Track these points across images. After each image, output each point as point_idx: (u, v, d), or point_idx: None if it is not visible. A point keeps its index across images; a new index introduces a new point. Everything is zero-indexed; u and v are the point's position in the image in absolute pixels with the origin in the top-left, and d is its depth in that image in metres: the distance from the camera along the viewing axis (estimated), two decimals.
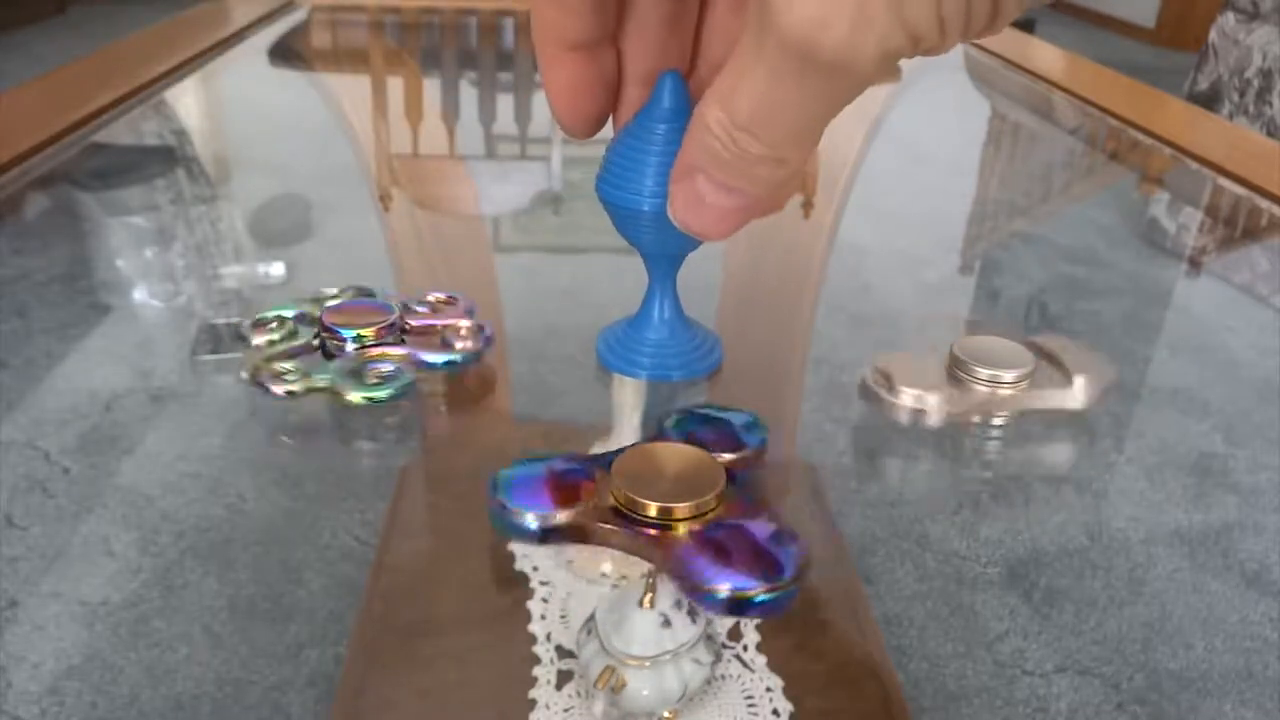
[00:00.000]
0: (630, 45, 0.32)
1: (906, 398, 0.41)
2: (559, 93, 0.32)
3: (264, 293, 0.56)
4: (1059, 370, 0.43)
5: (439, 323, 0.44)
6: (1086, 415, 0.43)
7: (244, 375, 0.41)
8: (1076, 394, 0.42)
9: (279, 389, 0.40)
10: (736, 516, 0.30)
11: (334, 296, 0.46)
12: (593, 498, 0.31)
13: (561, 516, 0.31)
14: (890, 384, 0.42)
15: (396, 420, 0.42)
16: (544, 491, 0.32)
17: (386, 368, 0.41)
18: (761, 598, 0.28)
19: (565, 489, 0.32)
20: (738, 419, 0.36)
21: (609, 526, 0.31)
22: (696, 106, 0.25)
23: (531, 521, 0.31)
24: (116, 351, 0.49)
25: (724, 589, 0.28)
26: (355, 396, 0.40)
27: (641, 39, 0.32)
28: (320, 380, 0.40)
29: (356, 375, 0.41)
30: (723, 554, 0.29)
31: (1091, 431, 0.44)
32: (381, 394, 0.40)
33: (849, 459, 0.42)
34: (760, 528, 0.30)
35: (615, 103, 0.34)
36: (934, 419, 0.42)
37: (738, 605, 0.28)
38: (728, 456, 0.34)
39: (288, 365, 0.41)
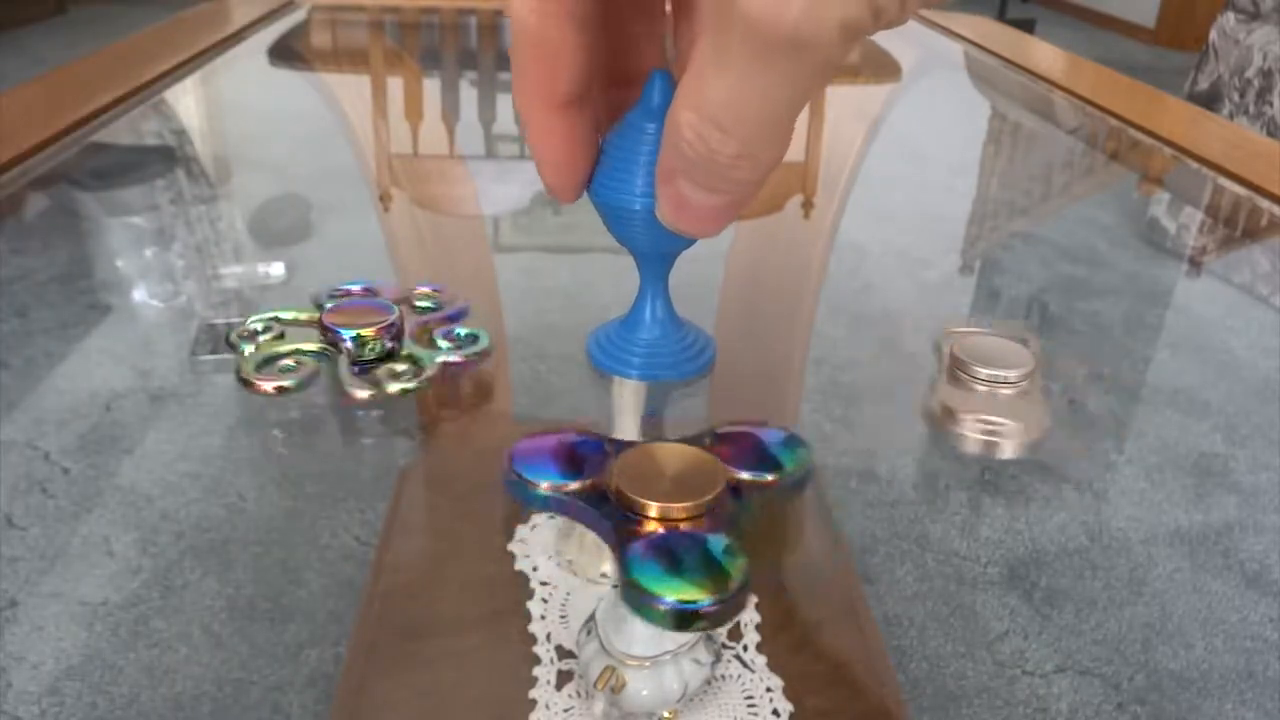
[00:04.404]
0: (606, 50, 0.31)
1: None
2: (555, 161, 0.30)
3: (264, 293, 0.56)
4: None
5: (437, 318, 0.44)
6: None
7: (263, 386, 0.40)
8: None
9: (277, 390, 0.40)
10: (693, 524, 0.29)
11: (331, 298, 0.45)
12: (599, 474, 0.31)
13: (572, 486, 0.30)
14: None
15: (398, 420, 0.42)
16: (555, 462, 0.31)
17: (399, 366, 0.41)
18: (707, 608, 0.26)
19: (576, 461, 0.31)
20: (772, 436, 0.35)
21: (583, 505, 0.29)
22: (670, 108, 0.25)
23: (544, 489, 0.30)
24: (116, 351, 0.49)
25: (669, 601, 0.25)
26: (361, 394, 0.40)
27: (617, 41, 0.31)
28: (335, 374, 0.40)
29: (369, 373, 0.40)
30: (674, 562, 0.27)
31: (1092, 431, 0.44)
32: (397, 388, 0.40)
33: (849, 459, 0.42)
34: (714, 536, 0.29)
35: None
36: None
37: (684, 619, 0.26)
38: None
39: (293, 368, 0.41)
